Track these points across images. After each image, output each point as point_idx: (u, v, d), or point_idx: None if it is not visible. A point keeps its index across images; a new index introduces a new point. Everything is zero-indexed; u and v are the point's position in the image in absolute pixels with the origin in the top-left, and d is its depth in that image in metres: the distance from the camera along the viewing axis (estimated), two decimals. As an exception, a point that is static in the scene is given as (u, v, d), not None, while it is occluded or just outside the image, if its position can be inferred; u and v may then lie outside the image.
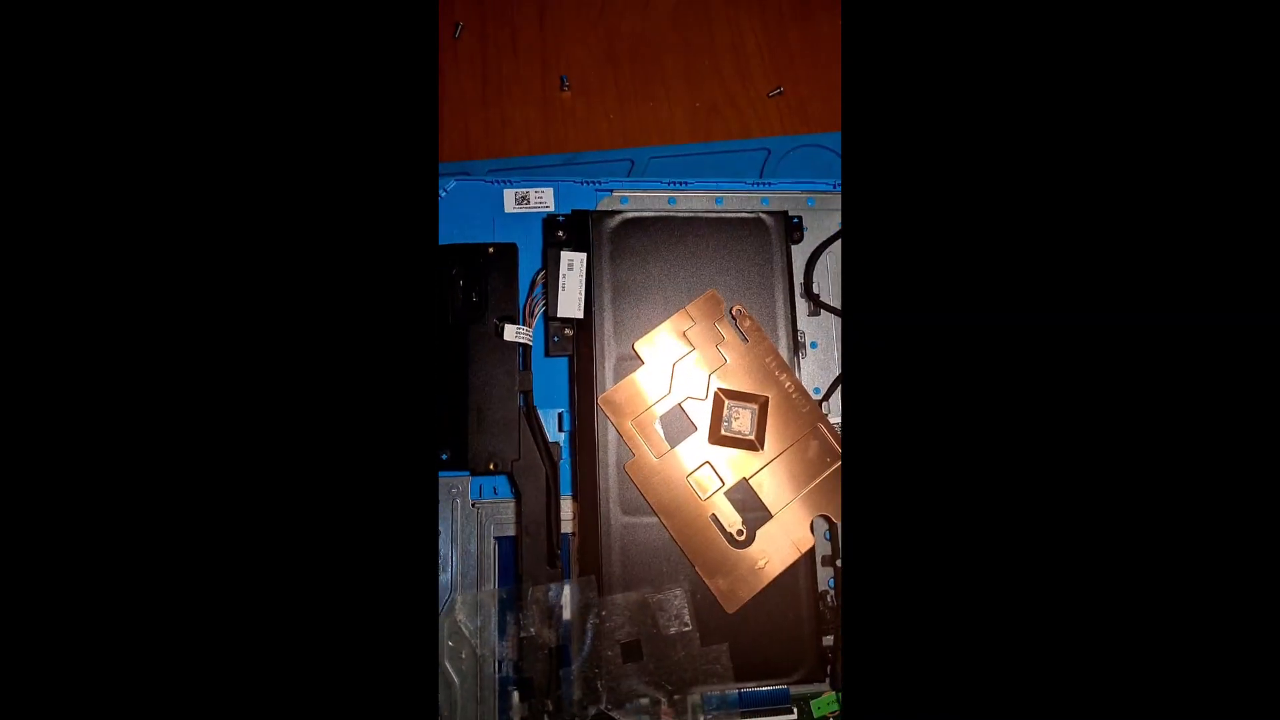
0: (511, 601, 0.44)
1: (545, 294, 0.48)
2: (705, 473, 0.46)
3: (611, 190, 0.51)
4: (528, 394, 0.47)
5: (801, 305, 0.51)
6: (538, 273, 0.49)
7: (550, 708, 0.42)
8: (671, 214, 0.50)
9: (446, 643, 0.44)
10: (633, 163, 0.59)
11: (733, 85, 0.63)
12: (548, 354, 0.49)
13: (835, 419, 0.49)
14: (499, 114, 0.60)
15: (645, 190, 0.52)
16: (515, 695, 0.44)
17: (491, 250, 0.49)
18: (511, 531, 0.46)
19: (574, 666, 0.43)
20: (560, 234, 0.49)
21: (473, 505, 0.46)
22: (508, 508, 0.47)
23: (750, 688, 0.44)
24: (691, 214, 0.50)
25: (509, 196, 0.51)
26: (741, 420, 0.47)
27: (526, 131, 0.60)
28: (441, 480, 0.46)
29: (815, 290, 0.51)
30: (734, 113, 0.62)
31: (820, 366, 0.51)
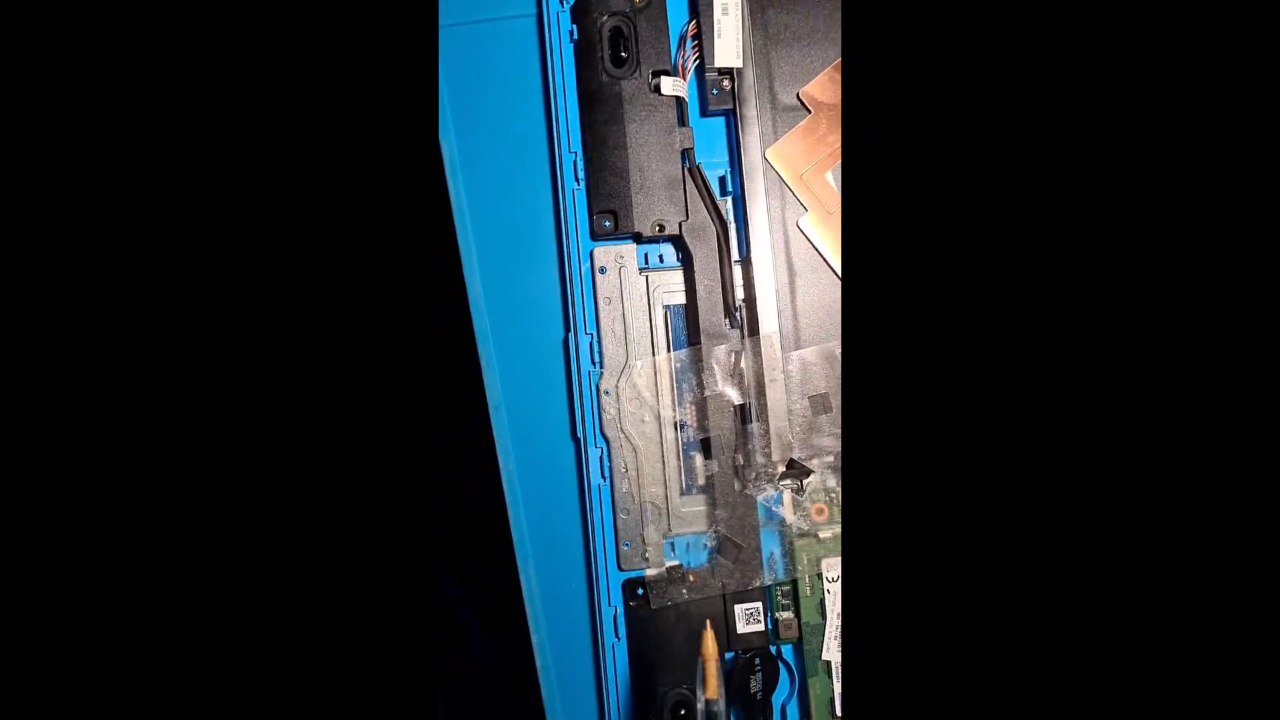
0: (690, 364, 0.44)
1: (698, 45, 0.45)
2: (884, 224, 0.43)
3: (759, -74, 0.46)
4: (689, 151, 0.44)
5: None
6: (688, 23, 0.45)
7: (741, 462, 0.42)
8: (830, -56, 0.45)
9: (628, 407, 0.44)
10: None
11: None
12: (703, 113, 0.45)
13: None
14: None
15: (796, -76, 0.46)
16: (698, 456, 0.44)
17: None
18: (680, 300, 0.45)
19: (756, 424, 0.42)
20: (710, -24, 0.45)
21: (640, 273, 0.45)
22: (675, 277, 0.45)
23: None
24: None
25: (647, -57, 0.46)
26: (922, 164, 0.43)
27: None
28: (607, 249, 0.44)
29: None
30: None
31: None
